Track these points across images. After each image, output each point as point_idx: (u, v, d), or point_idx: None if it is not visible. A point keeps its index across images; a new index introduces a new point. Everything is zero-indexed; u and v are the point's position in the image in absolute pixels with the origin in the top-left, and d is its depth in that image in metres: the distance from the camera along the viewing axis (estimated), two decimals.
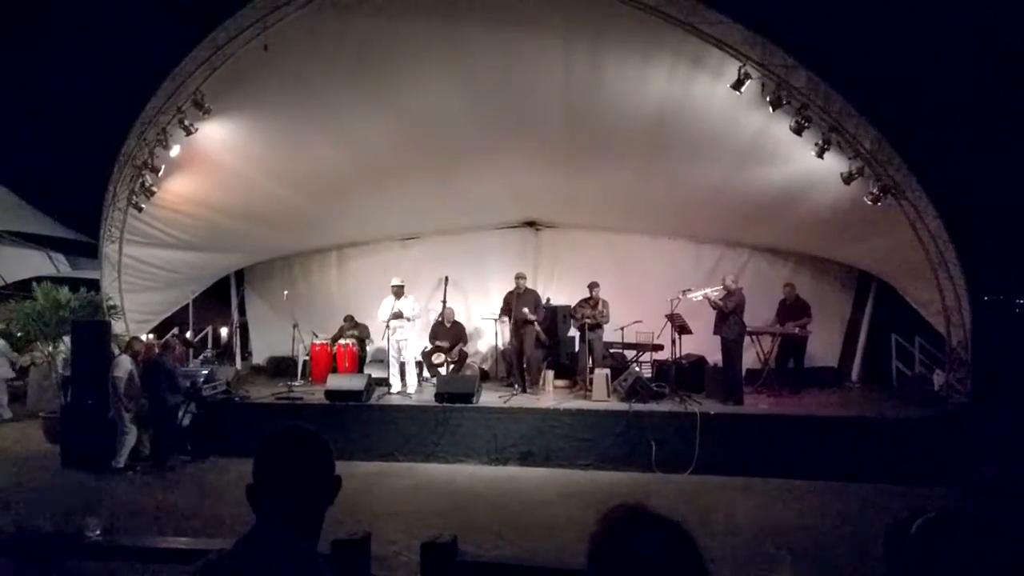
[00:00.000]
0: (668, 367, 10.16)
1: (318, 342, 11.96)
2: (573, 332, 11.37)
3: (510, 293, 10.72)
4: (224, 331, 14.36)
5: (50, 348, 10.05)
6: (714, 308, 9.60)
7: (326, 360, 11.72)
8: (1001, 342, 8.67)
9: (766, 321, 10.91)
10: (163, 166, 8.86)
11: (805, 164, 8.36)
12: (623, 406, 9.03)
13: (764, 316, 10.98)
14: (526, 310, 10.35)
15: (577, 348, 11.15)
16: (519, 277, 10.72)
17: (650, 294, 10.94)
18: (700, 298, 9.75)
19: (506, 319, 10.97)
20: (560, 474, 8.45)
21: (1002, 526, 1.17)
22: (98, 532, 2.96)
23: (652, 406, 9.12)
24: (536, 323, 10.54)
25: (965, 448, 7.79)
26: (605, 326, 10.63)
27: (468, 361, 11.89)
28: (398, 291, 10.41)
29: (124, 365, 8.68)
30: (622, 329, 10.91)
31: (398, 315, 10.21)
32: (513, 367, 10.89)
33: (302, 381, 11.61)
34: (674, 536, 1.17)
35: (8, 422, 11.37)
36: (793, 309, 10.74)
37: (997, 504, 6.52)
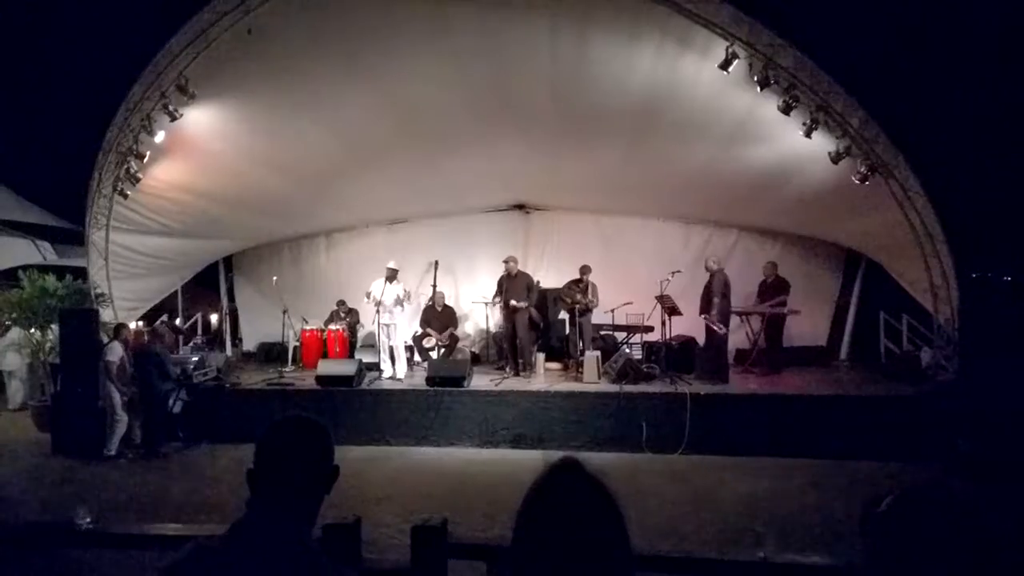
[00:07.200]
0: (658, 348, 10.22)
1: (308, 328, 11.94)
2: (563, 315, 11.38)
3: (503, 276, 10.62)
4: (214, 318, 14.33)
5: (38, 336, 9.98)
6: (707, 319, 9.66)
7: (317, 345, 11.70)
8: (988, 319, 8.71)
9: (746, 300, 10.93)
10: (148, 152, 8.77)
11: (793, 144, 8.36)
12: (614, 388, 9.08)
13: (752, 297, 11.04)
14: (513, 301, 10.31)
15: (567, 331, 11.17)
16: (508, 260, 10.59)
17: (640, 275, 11.00)
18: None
19: (499, 302, 10.85)
20: (552, 456, 8.43)
21: (972, 501, 1.19)
22: (89, 520, 2.95)
23: (643, 387, 9.18)
24: (529, 307, 10.50)
25: (953, 424, 7.86)
26: (594, 308, 10.64)
27: (459, 345, 11.90)
28: (392, 275, 10.36)
29: (116, 350, 8.67)
30: (612, 311, 10.93)
31: (381, 303, 10.18)
32: (506, 351, 10.89)
33: (293, 367, 11.61)
34: (598, 492, 1.27)
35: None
36: (773, 288, 10.77)
37: (978, 480, 6.60)
